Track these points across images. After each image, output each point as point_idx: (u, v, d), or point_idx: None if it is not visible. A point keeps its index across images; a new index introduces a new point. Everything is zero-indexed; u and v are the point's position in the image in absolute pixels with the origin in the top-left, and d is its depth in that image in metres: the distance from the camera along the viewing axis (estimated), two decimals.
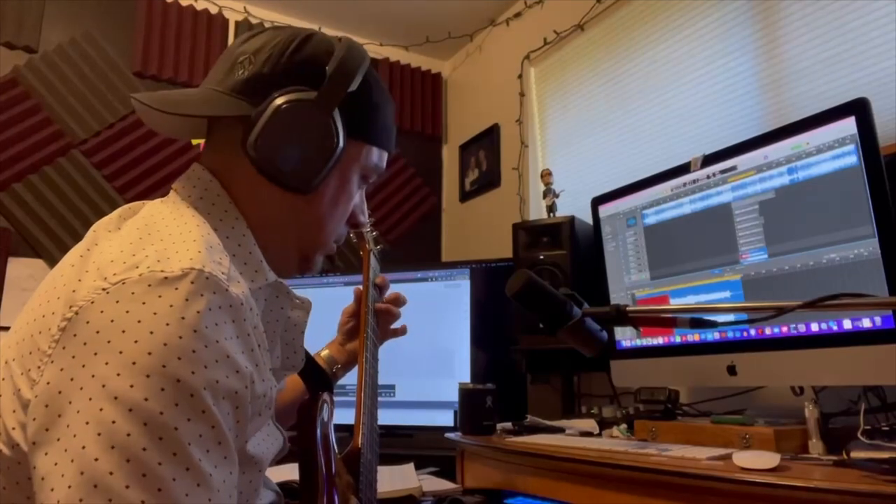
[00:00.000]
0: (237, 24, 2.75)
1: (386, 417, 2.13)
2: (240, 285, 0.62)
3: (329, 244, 0.81)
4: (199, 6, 2.67)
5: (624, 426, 1.47)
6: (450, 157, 3.16)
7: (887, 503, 0.76)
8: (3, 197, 2.19)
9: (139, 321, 0.54)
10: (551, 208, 2.00)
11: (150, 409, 0.51)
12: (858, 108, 1.10)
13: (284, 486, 0.89)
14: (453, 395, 1.69)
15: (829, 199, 1.14)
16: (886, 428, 0.98)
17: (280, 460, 0.80)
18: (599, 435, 1.51)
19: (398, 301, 1.20)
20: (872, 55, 1.46)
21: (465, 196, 3.00)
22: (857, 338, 1.10)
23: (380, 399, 2.13)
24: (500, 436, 1.51)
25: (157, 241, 0.62)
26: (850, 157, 1.11)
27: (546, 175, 2.05)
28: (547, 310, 0.87)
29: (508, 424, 1.60)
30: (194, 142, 2.51)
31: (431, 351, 2.13)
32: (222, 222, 0.70)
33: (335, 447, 0.89)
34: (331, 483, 0.84)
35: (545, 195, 2.02)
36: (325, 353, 1.14)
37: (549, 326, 0.88)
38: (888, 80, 1.41)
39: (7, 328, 0.70)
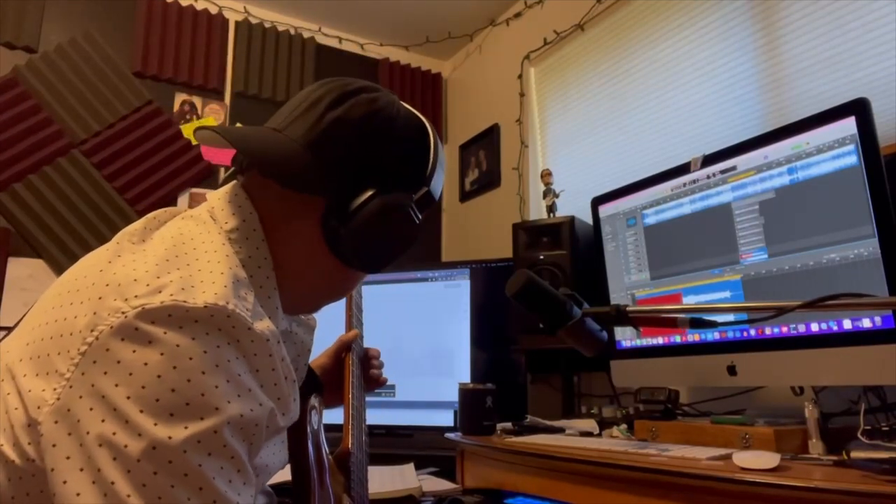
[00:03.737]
0: (237, 24, 2.75)
1: (386, 417, 2.14)
2: (264, 322, 0.62)
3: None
4: (199, 6, 2.67)
5: (624, 426, 1.47)
6: (450, 157, 3.16)
7: (887, 503, 0.76)
8: (3, 197, 2.19)
9: (162, 353, 0.54)
10: (551, 208, 2.00)
11: (174, 448, 0.52)
12: (858, 108, 1.10)
13: (278, 487, 0.89)
14: (453, 395, 1.69)
15: (829, 199, 1.14)
16: (886, 428, 0.98)
17: None
18: (599, 435, 1.51)
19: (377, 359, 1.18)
20: (872, 55, 1.46)
21: (465, 196, 3.00)
22: (857, 338, 1.10)
23: (380, 399, 2.14)
24: (500, 436, 1.51)
25: (184, 265, 0.61)
26: (850, 158, 1.11)
27: (546, 175, 2.05)
28: (547, 310, 0.87)
29: (508, 424, 1.60)
30: (194, 141, 2.52)
31: (431, 351, 2.13)
32: (251, 259, 0.68)
33: (326, 447, 0.90)
34: (322, 483, 0.84)
35: (545, 195, 2.02)
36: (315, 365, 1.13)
37: (549, 326, 0.88)
38: (888, 80, 1.41)
39: (7, 328, 0.69)
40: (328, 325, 1.22)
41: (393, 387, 2.15)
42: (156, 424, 0.52)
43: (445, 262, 2.81)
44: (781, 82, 1.66)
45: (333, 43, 2.97)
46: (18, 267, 2.19)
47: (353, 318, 1.13)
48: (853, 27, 1.50)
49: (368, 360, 1.13)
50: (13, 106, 2.24)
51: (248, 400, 0.57)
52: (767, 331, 1.24)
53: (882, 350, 1.05)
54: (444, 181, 0.80)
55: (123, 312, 0.55)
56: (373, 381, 1.13)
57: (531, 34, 2.60)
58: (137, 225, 0.69)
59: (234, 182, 0.75)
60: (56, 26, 2.38)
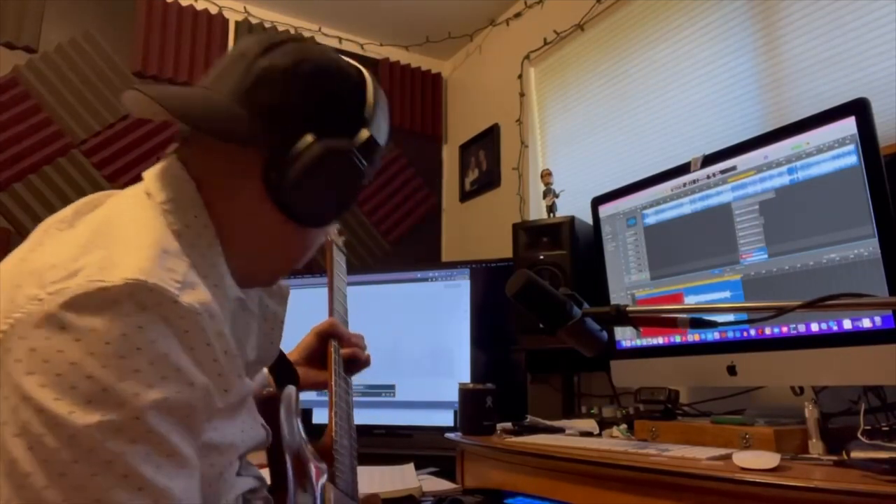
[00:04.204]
0: (237, 24, 2.75)
1: (386, 417, 2.14)
2: (196, 293, 0.59)
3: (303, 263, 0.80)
4: (199, 6, 2.67)
5: (624, 426, 1.47)
6: (450, 157, 3.16)
7: (887, 503, 0.76)
8: (3, 197, 2.19)
9: (77, 339, 0.51)
10: (551, 208, 2.00)
11: (93, 437, 0.50)
12: (858, 108, 1.10)
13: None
14: (453, 395, 1.69)
15: (829, 199, 1.14)
16: (886, 428, 0.98)
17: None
18: (599, 435, 1.51)
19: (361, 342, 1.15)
20: (872, 55, 1.46)
21: (465, 196, 3.00)
22: (857, 338, 1.10)
23: (380, 399, 2.14)
24: (500, 436, 1.51)
25: (107, 244, 0.58)
26: (850, 158, 1.11)
27: (546, 175, 2.05)
28: (547, 310, 0.87)
29: (508, 424, 1.60)
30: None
31: (431, 351, 2.13)
32: (189, 229, 0.66)
33: (304, 436, 0.89)
34: (301, 472, 0.84)
35: (545, 195, 2.02)
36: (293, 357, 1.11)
37: (549, 326, 0.88)
38: (888, 80, 1.41)
39: None
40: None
41: (393, 387, 2.15)
42: (72, 413, 0.50)
43: (445, 262, 2.81)
44: (781, 82, 1.66)
45: (333, 43, 2.97)
46: None
47: (335, 300, 1.11)
48: (853, 27, 1.50)
49: (350, 342, 1.10)
50: (13, 106, 2.24)
51: (173, 382, 0.54)
52: (767, 331, 1.24)
53: (882, 350, 1.05)
54: (387, 127, 0.78)
55: (39, 299, 0.53)
56: (357, 361, 1.10)
57: (531, 34, 2.60)
58: (67, 210, 0.67)
59: (170, 156, 0.72)
60: (56, 26, 2.38)
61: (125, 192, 0.69)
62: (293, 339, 1.09)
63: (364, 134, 0.72)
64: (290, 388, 0.91)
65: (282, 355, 0.97)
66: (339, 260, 1.17)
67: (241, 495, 0.73)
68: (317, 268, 2.46)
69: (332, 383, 1.01)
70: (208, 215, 0.68)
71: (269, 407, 0.86)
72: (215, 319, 0.60)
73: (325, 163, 0.68)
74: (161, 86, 0.64)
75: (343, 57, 0.75)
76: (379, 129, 0.75)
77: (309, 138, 0.68)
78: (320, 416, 2.03)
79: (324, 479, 0.89)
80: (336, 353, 1.05)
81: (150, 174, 0.70)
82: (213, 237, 0.68)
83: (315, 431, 0.96)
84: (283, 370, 0.98)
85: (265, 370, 0.96)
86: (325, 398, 1.01)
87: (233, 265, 0.70)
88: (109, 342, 0.52)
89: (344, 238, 1.22)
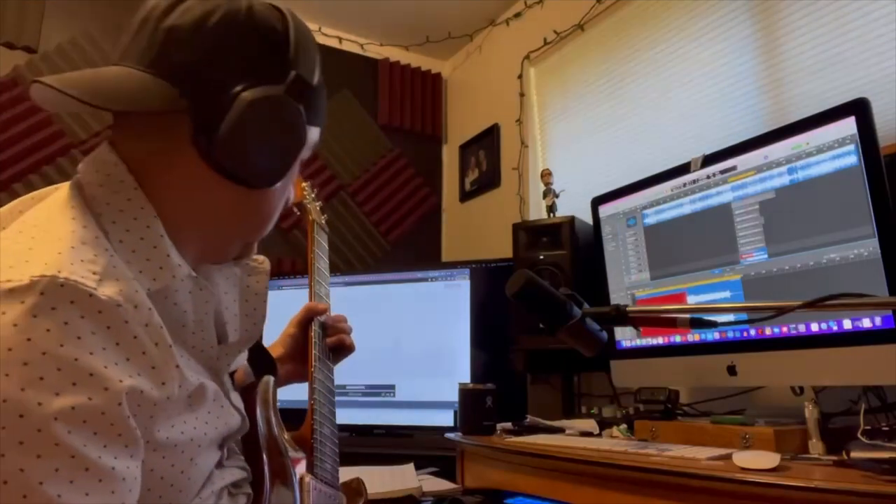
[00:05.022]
0: None
1: (386, 417, 2.14)
2: (118, 284, 0.55)
3: (269, 229, 0.77)
4: None
5: (624, 426, 1.47)
6: (450, 157, 3.16)
7: (887, 503, 0.76)
8: (3, 197, 2.19)
9: None
10: (551, 208, 2.00)
11: None
12: (858, 108, 1.10)
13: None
14: (453, 395, 1.69)
15: (829, 199, 1.14)
16: (886, 428, 0.98)
17: None
18: (599, 435, 1.51)
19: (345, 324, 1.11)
20: (872, 55, 1.46)
21: (465, 196, 3.00)
22: (857, 338, 1.10)
23: (380, 399, 2.14)
24: (500, 436, 1.51)
25: (23, 240, 0.55)
26: (850, 158, 1.11)
27: (546, 175, 2.05)
28: (547, 310, 0.87)
29: (508, 424, 1.60)
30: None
31: (431, 351, 2.13)
32: (122, 213, 0.62)
33: (281, 426, 0.88)
34: (278, 463, 0.83)
35: (545, 195, 2.02)
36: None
37: (549, 326, 0.88)
38: (888, 80, 1.41)
39: None
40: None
41: (393, 387, 2.15)
42: None
43: (445, 262, 2.81)
44: (781, 82, 1.66)
45: (333, 43, 2.97)
46: None
47: (316, 282, 1.09)
48: (853, 27, 1.50)
49: (333, 326, 1.08)
50: (13, 106, 2.24)
51: (86, 387, 0.50)
52: (767, 331, 1.24)
53: (882, 350, 1.05)
54: (318, 64, 0.72)
55: None
56: (340, 347, 1.08)
57: (531, 34, 2.60)
58: (3, 210, 0.64)
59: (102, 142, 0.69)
60: (56, 26, 2.38)
61: (61, 185, 0.66)
62: (274, 338, 1.07)
63: (291, 75, 0.67)
64: (268, 378, 0.89)
65: (258, 345, 0.93)
66: (321, 239, 1.14)
67: (225, 488, 0.72)
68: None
69: (312, 368, 0.99)
70: (144, 195, 0.64)
71: (245, 397, 0.84)
72: (140, 310, 0.56)
73: (254, 114, 0.64)
74: (66, 73, 0.61)
75: (259, 1, 0.69)
76: (307, 67, 0.69)
77: (232, 93, 0.63)
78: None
79: (301, 467, 0.88)
80: (317, 337, 1.03)
81: (83, 163, 0.66)
82: (152, 217, 0.64)
83: (294, 418, 0.95)
84: (260, 360, 0.95)
85: (244, 361, 0.93)
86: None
87: (189, 243, 0.67)
88: (12, 348, 0.48)
89: (325, 217, 1.20)
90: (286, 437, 0.89)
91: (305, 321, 1.06)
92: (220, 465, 0.72)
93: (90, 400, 0.50)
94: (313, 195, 1.21)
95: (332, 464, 0.98)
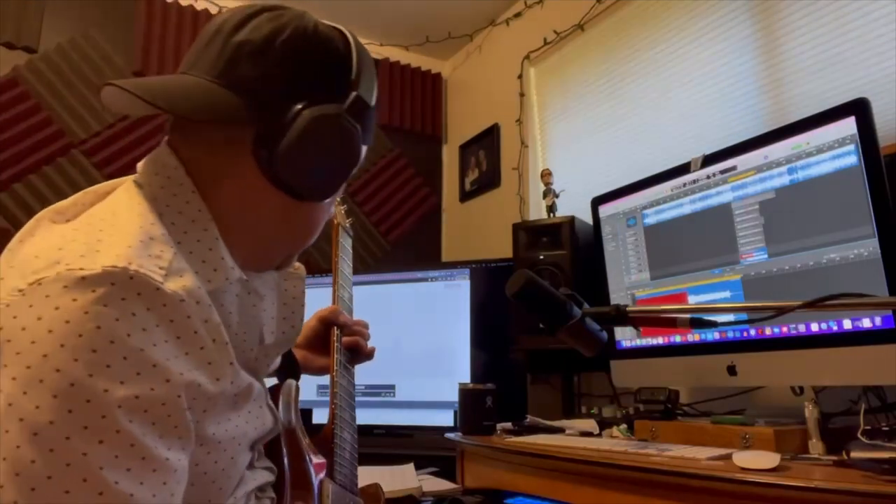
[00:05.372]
0: None
1: (386, 417, 2.14)
2: (183, 280, 0.57)
3: (313, 241, 0.78)
4: (199, 6, 2.66)
5: (624, 426, 1.47)
6: (450, 157, 3.16)
7: (887, 503, 0.76)
8: (3, 197, 2.19)
9: (50, 331, 0.49)
10: (551, 208, 2.00)
11: (54, 435, 0.47)
12: (858, 108, 1.10)
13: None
14: (453, 395, 1.69)
15: (829, 199, 1.14)
16: (886, 428, 0.98)
17: None
18: (599, 435, 1.51)
19: (364, 329, 1.13)
20: (872, 55, 1.46)
21: (465, 196, 3.00)
22: (857, 338, 1.10)
23: (380, 399, 2.14)
24: (500, 436, 1.51)
25: (90, 233, 0.57)
26: (850, 158, 1.11)
27: (546, 175, 2.05)
28: (547, 310, 0.87)
29: (508, 424, 1.60)
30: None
31: (431, 351, 2.13)
32: (181, 215, 0.65)
33: (303, 430, 0.88)
34: (299, 467, 0.83)
35: (545, 195, 2.02)
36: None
37: (549, 326, 0.88)
38: (888, 80, 1.41)
39: None
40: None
41: (393, 387, 2.15)
42: (38, 408, 0.48)
43: (445, 262, 2.81)
44: (781, 82, 1.66)
45: None
46: None
47: (340, 286, 1.09)
48: (853, 27, 1.50)
49: (353, 330, 1.09)
50: (13, 106, 2.24)
51: (149, 378, 0.52)
52: (767, 331, 1.24)
53: (882, 350, 1.05)
54: (375, 86, 0.75)
55: (20, 290, 0.52)
56: (359, 352, 1.09)
57: (531, 34, 2.60)
58: (66, 202, 0.66)
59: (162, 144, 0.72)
60: (56, 26, 2.38)
61: (122, 181, 0.69)
62: None
63: (352, 96, 0.70)
64: (291, 381, 0.90)
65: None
66: (345, 243, 1.14)
67: (252, 492, 0.72)
68: (316, 268, 2.47)
69: (335, 374, 1.00)
70: (202, 199, 0.66)
71: None
72: (202, 307, 0.58)
73: (315, 131, 0.66)
74: (139, 78, 0.62)
75: (322, 21, 0.73)
76: (367, 89, 0.72)
77: (295, 108, 0.66)
78: (320, 417, 2.03)
79: (322, 474, 0.88)
80: (339, 342, 1.04)
81: (142, 163, 0.69)
82: (209, 220, 0.66)
83: (315, 430, 0.96)
84: (284, 363, 0.97)
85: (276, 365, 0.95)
86: (327, 398, 1.00)
87: (238, 249, 0.69)
88: (83, 334, 0.50)
89: (351, 220, 1.20)
90: (306, 441, 0.89)
91: (329, 321, 1.07)
92: (251, 466, 0.73)
93: (152, 391, 0.52)
94: (338, 198, 1.21)
95: (350, 469, 0.98)
